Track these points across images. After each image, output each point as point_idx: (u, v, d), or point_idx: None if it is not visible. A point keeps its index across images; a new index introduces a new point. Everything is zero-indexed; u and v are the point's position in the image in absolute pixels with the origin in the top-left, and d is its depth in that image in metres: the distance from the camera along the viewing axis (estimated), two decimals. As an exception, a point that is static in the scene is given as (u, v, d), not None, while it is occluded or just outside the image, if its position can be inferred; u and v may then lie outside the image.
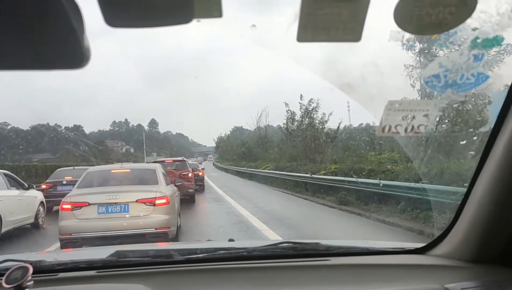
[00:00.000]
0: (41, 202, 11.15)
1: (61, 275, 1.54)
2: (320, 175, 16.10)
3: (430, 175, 8.98)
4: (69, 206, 6.87)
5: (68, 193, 12.62)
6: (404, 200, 9.68)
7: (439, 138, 10.58)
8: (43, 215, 11.20)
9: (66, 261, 1.69)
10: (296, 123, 30.46)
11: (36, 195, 10.99)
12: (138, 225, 6.78)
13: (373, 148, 15.57)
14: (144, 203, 6.92)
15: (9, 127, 76.01)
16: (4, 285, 1.22)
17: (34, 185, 11.39)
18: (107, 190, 7.17)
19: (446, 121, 12.23)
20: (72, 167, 16.32)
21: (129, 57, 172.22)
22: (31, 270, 1.25)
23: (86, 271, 1.59)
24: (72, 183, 13.78)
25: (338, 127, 27.40)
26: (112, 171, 8.45)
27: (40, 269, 1.50)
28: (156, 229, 6.83)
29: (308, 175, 16.86)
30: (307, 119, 28.76)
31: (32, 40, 0.74)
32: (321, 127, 27.74)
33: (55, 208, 13.94)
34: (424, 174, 8.87)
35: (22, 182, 10.73)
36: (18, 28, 0.73)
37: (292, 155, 28.37)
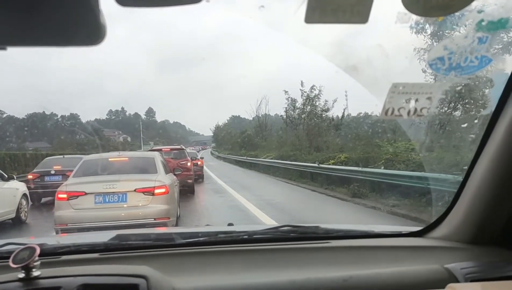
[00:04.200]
0: (24, 195, 10.06)
1: (64, 257, 1.53)
2: (329, 164, 15.04)
3: (460, 165, 7.97)
4: (64, 195, 6.61)
5: (56, 184, 11.48)
6: (430, 192, 8.61)
7: (470, 125, 9.60)
8: (26, 209, 10.13)
9: (68, 244, 1.69)
10: (297, 110, 29.79)
11: (17, 187, 9.89)
12: (136, 215, 6.58)
13: (386, 136, 14.51)
14: (143, 192, 6.72)
15: (4, 115, 75.23)
16: (12, 265, 1.22)
17: (15, 176, 10.26)
18: (105, 179, 6.93)
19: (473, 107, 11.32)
20: (62, 156, 15.28)
21: (127, 45, 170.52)
22: (38, 250, 1.24)
23: (89, 253, 1.59)
24: (61, 173, 12.92)
25: (343, 114, 26.49)
26: (110, 159, 8.10)
27: (43, 251, 1.37)
28: (155, 220, 6.60)
29: (316, 165, 15.79)
30: (309, 107, 27.98)
31: (49, 16, 0.73)
32: (324, 114, 26.95)
33: (43, 200, 13.03)
34: (455, 165, 7.88)
35: (1, 172, 9.60)
36: (34, 4, 0.72)
37: (294, 144, 27.46)
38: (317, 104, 27.82)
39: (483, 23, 1.23)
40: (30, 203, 11.78)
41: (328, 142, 23.86)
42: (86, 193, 6.60)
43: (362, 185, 11.93)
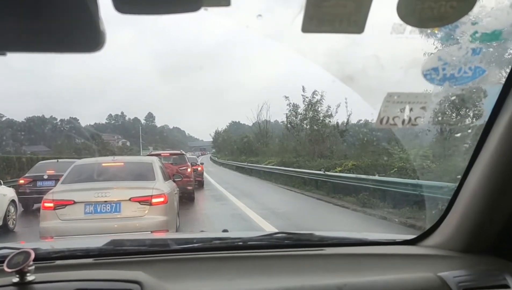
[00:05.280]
0: (12, 201, 9.41)
1: (58, 262, 1.53)
2: (336, 172, 14.37)
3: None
4: (51, 205, 5.94)
5: (49, 189, 10.72)
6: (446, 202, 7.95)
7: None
8: (14, 217, 9.45)
9: (62, 249, 1.69)
10: (299, 116, 29.30)
11: (5, 193, 9.25)
12: (131, 228, 5.89)
13: (396, 143, 13.90)
14: (139, 201, 6.07)
15: (3, 118, 74.76)
16: (6, 269, 1.21)
17: (2, 181, 9.60)
18: (96, 187, 6.23)
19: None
20: (55, 160, 14.60)
21: (128, 50, 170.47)
22: (33, 255, 1.24)
23: (83, 259, 1.58)
24: (54, 178, 12.24)
25: (348, 119, 25.90)
26: (103, 164, 7.33)
27: (37, 256, 1.35)
28: (152, 233, 5.85)
29: (321, 172, 15.12)
30: (311, 112, 27.47)
31: (49, 22, 0.73)
32: (327, 120, 26.43)
33: (35, 206, 12.37)
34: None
35: (-12, 177, 8.95)
36: (34, 10, 0.71)
37: (296, 150, 26.82)
38: (319, 109, 27.31)
39: (477, 35, 1.24)
40: (22, 209, 11.15)
41: (332, 148, 23.21)
42: (75, 202, 5.93)
43: (371, 194, 11.29)
